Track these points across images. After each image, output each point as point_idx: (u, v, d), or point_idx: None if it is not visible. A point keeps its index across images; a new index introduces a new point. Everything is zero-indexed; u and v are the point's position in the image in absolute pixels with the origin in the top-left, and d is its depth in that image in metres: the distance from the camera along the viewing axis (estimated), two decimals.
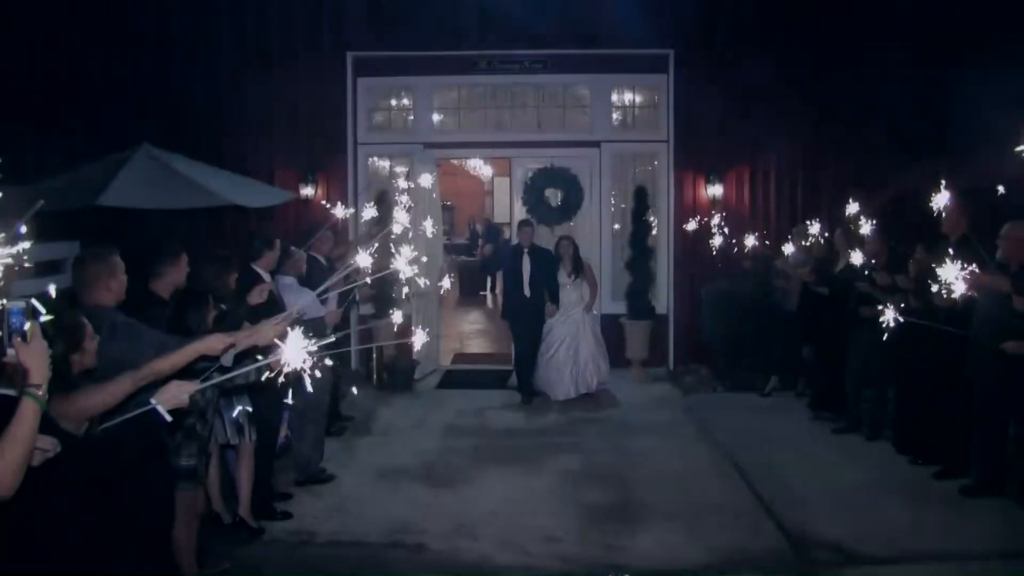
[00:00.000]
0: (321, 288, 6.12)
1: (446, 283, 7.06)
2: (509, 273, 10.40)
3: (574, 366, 10.05)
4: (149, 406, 3.38)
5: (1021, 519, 6.23)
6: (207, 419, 5.21)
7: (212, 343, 3.86)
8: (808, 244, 9.11)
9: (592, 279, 10.46)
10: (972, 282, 5.24)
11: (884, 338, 5.48)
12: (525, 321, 10.17)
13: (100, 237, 5.11)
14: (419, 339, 3.83)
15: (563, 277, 10.12)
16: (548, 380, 10.10)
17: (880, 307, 5.68)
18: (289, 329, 3.46)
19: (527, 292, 10.05)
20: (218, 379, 3.83)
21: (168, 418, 3.41)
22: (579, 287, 10.18)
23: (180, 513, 4.93)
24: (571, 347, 10.05)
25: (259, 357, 4.12)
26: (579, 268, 10.21)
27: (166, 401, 3.41)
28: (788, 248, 9.07)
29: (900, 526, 6.20)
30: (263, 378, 3.71)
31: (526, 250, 10.12)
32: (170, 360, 3.71)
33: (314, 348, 3.37)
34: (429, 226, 6.16)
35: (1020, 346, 5.54)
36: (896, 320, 5.28)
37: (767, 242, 10.03)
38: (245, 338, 4.15)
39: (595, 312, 10.58)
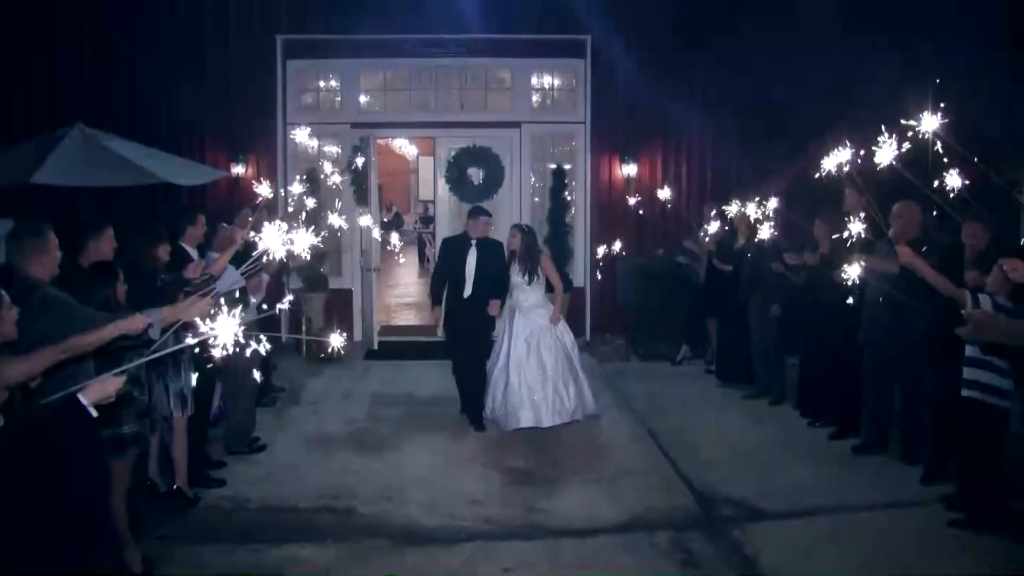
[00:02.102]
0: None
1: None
2: (451, 272, 8.23)
3: (544, 389, 7.80)
4: (73, 393, 3.42)
5: (902, 473, 6.72)
6: (143, 384, 5.32)
7: (133, 324, 3.95)
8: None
9: (554, 275, 8.18)
10: (867, 268, 5.73)
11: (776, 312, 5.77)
12: (467, 334, 8.13)
13: (33, 215, 5.17)
14: (335, 340, 3.91)
15: (516, 276, 8.06)
16: (523, 402, 7.78)
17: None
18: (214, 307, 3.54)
19: (467, 292, 8.08)
20: (138, 361, 3.89)
21: (94, 413, 3.43)
22: (540, 287, 8.09)
23: (119, 480, 5.05)
24: (540, 363, 7.85)
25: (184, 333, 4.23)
26: (535, 266, 8.03)
27: (92, 396, 3.44)
28: (712, 227, 9.45)
29: (798, 483, 6.65)
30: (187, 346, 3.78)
31: (474, 243, 8.13)
32: (92, 336, 3.79)
33: (240, 323, 3.43)
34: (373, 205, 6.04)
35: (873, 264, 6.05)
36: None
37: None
38: (168, 315, 4.23)
39: (563, 324, 8.21)
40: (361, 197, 11.34)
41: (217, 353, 3.37)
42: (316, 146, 11.64)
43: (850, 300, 6.41)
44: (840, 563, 5.32)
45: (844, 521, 5.97)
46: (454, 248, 8.31)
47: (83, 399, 3.42)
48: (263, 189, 6.77)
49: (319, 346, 10.69)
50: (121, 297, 5.04)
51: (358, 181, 11.22)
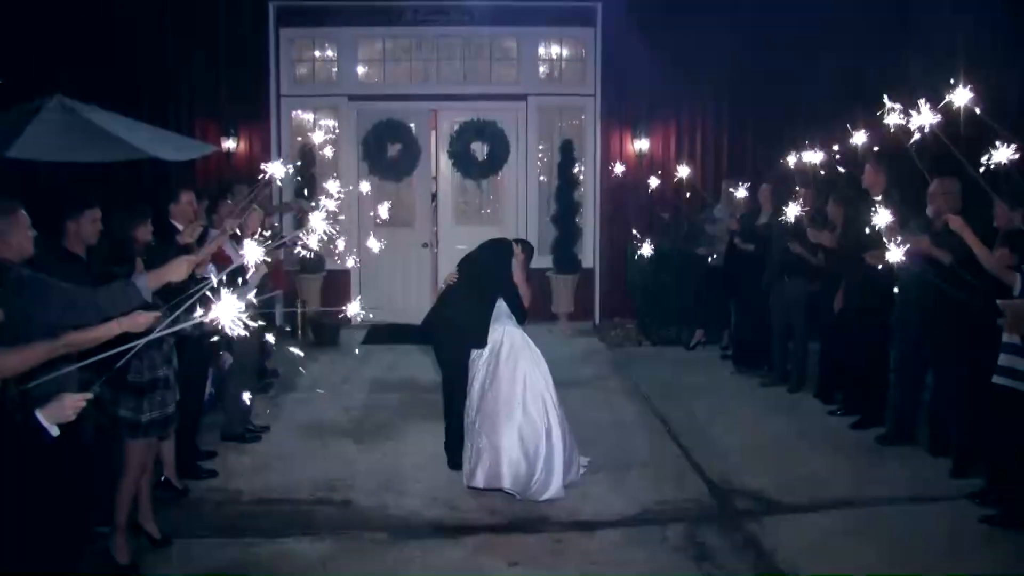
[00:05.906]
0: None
1: None
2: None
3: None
4: (32, 410, 3.34)
5: (929, 465, 6.53)
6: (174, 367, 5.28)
7: (135, 321, 3.75)
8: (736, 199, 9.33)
9: None
10: (910, 253, 5.48)
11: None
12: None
13: (9, 191, 4.93)
14: (352, 309, 3.85)
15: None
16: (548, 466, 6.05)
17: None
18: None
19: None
20: (138, 343, 3.66)
21: (55, 432, 3.36)
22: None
23: (133, 463, 5.02)
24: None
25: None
26: None
27: (52, 416, 3.36)
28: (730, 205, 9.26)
29: (818, 475, 6.48)
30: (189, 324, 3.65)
31: None
32: (91, 334, 3.63)
33: (240, 303, 3.31)
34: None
35: (877, 256, 5.86)
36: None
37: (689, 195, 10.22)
38: (158, 276, 4.09)
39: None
40: (398, 175, 11.48)
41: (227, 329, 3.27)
42: (312, 119, 11.42)
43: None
44: (861, 559, 5.13)
45: (866, 515, 5.79)
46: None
47: (42, 419, 3.35)
48: (275, 168, 6.49)
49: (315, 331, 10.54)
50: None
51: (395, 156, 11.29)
